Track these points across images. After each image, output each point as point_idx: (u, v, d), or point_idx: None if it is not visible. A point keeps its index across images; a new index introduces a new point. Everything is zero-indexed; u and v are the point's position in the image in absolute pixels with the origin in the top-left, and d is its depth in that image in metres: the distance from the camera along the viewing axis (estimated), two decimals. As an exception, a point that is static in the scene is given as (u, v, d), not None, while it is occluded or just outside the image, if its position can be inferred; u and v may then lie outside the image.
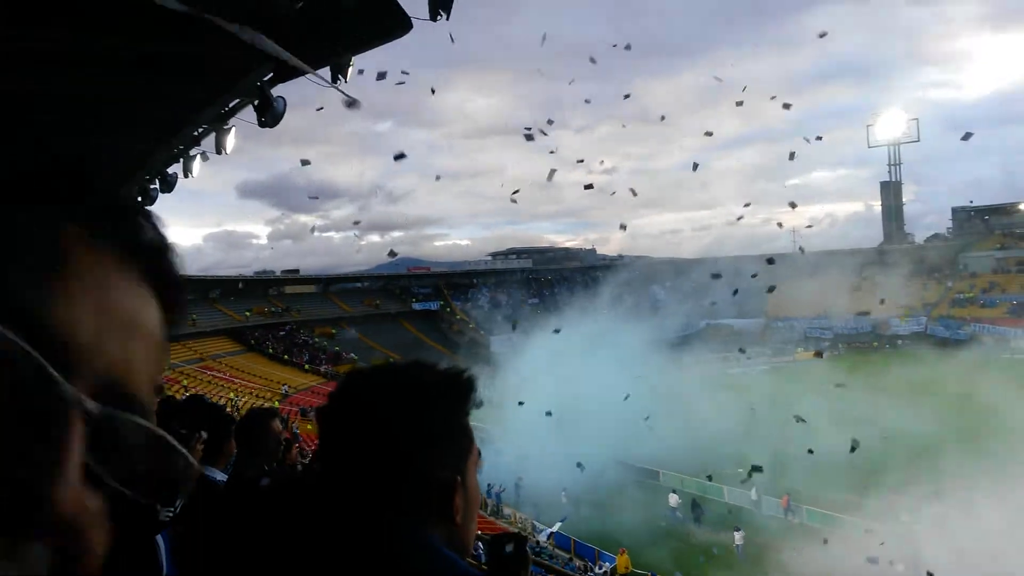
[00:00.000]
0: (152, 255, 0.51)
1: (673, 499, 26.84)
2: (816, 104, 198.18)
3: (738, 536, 22.49)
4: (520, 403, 28.38)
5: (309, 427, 33.64)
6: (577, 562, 23.00)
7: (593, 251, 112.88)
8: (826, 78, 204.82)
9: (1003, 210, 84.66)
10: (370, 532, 1.02)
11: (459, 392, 1.16)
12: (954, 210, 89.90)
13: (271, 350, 63.26)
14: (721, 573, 21.33)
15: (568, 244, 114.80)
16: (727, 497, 27.35)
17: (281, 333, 68.24)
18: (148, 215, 0.52)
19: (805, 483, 25.80)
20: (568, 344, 37.81)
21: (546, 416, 28.16)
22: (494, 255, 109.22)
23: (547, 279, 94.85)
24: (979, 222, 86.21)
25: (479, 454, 1.20)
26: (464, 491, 1.12)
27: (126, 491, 0.44)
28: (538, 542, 23.91)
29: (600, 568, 21.75)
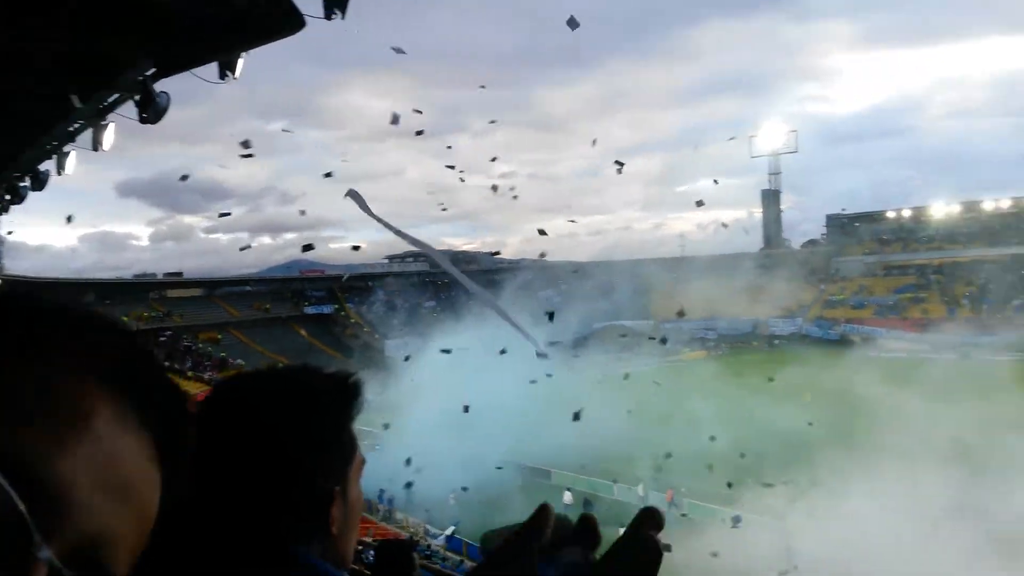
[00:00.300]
0: (170, 421, 0.51)
1: (567, 497, 27.41)
2: (705, 115, 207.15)
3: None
4: (385, 425, 28.01)
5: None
6: (469, 564, 23.15)
7: (490, 254, 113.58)
8: (713, 90, 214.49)
9: (872, 217, 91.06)
10: (242, 548, 0.96)
11: (346, 397, 1.10)
12: (828, 217, 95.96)
13: (152, 356, 60.05)
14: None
15: (466, 247, 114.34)
16: (616, 494, 28.20)
17: (162, 339, 65.10)
18: (158, 365, 0.52)
19: (692, 478, 27.04)
20: (465, 346, 37.95)
21: (463, 412, 28.02)
22: (391, 258, 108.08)
23: (444, 282, 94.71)
24: (851, 228, 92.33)
25: (363, 462, 1.15)
26: (344, 501, 1.07)
27: None
28: (429, 546, 23.93)
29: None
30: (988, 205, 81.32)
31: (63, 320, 0.49)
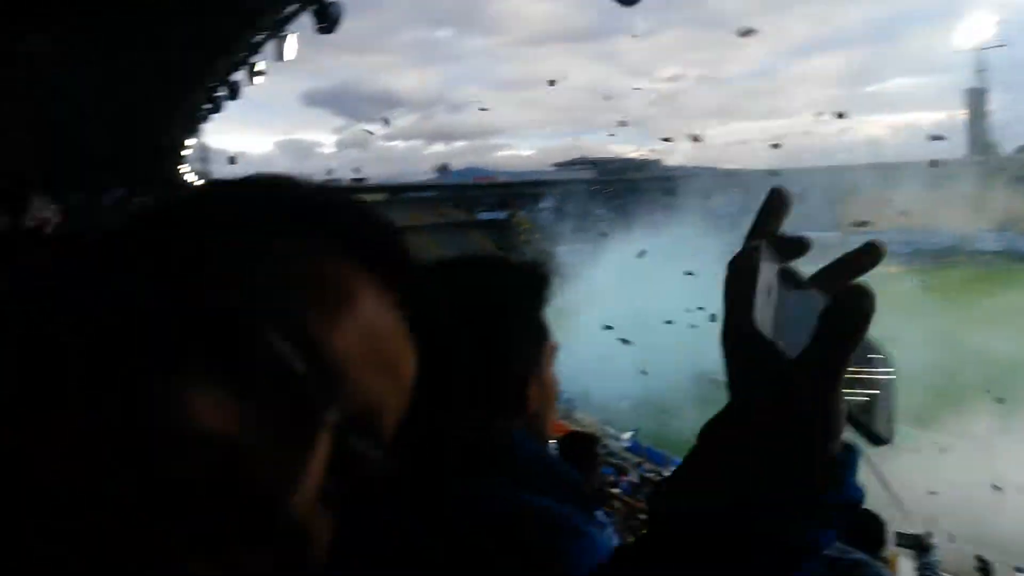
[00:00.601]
0: (421, 303, 0.55)
1: None
2: (890, 8, 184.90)
3: None
4: (608, 327, 27.93)
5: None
6: (648, 467, 23.36)
7: (658, 162, 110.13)
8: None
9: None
10: (453, 423, 1.02)
11: (536, 285, 1.17)
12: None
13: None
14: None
15: (633, 155, 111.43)
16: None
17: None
18: (410, 251, 0.56)
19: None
20: (639, 256, 37.38)
21: (606, 330, 28.00)
22: (559, 165, 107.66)
23: (614, 189, 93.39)
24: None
25: (556, 347, 1.21)
26: (540, 383, 1.15)
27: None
28: (608, 448, 24.32)
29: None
30: None
31: (329, 205, 0.52)
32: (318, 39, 9.23)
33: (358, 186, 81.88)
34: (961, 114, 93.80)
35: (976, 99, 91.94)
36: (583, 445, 4.69)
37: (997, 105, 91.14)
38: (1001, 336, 30.03)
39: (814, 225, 75.14)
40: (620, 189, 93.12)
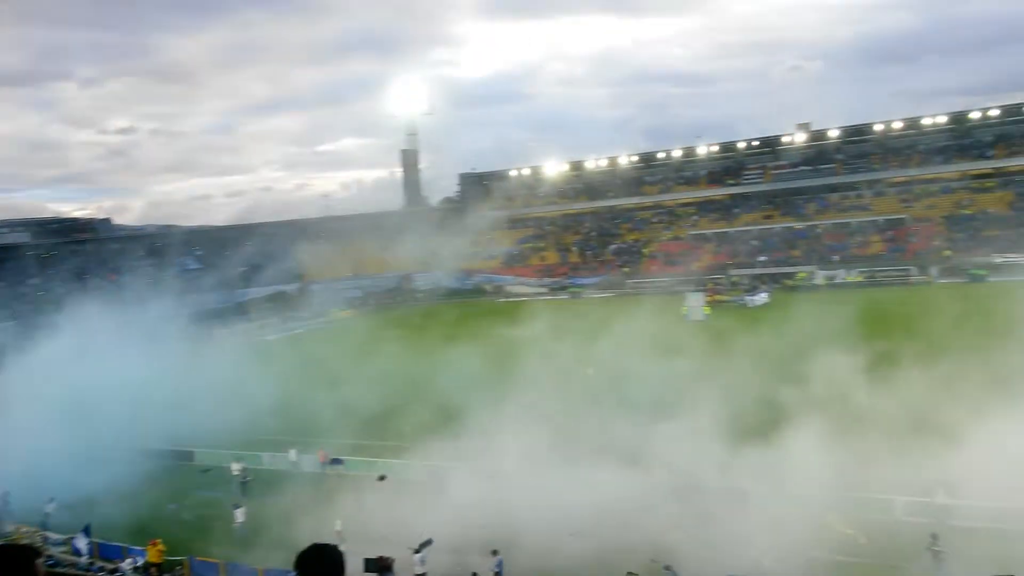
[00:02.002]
0: None
1: (235, 467, 26.00)
2: (341, 74, 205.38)
3: (239, 513, 21.90)
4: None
5: None
6: (102, 564, 21.01)
7: (108, 221, 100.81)
8: (350, 50, 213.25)
9: (498, 176, 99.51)
10: None
11: None
12: (461, 176, 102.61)
13: None
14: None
15: (78, 214, 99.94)
16: (267, 463, 27.59)
17: None
18: None
19: (340, 434, 27.58)
20: (79, 329, 33.58)
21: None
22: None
23: (52, 255, 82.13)
24: (480, 186, 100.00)
25: None
26: None
27: None
28: (51, 556, 21.18)
29: (131, 563, 20.21)
30: (589, 165, 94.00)
31: None
32: None
33: None
34: (398, 171, 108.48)
35: (409, 158, 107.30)
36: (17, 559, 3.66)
37: (426, 163, 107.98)
38: (443, 365, 34.81)
39: (277, 279, 77.90)
40: (64, 253, 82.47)
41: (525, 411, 23.39)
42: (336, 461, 26.29)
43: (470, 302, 75.37)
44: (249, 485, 25.23)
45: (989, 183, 71.82)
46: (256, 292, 73.20)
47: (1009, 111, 74.45)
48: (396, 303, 76.62)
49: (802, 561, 15.92)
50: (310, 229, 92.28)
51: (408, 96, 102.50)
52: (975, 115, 76.13)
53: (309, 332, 62.07)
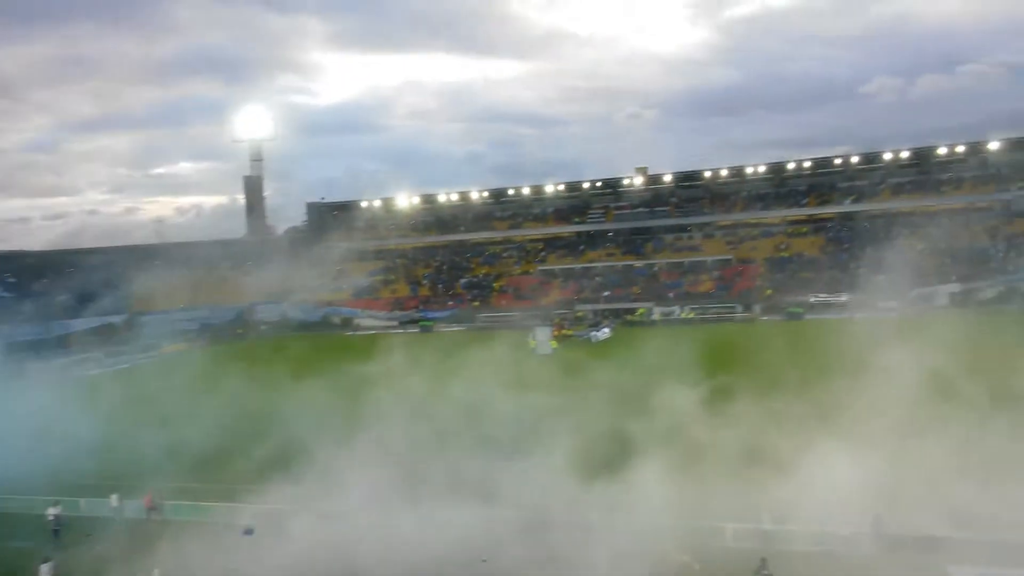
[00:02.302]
0: None
1: (51, 511, 23.27)
2: (179, 95, 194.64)
3: (45, 569, 19.80)
4: None
5: None
6: None
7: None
8: (190, 70, 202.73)
9: (347, 206, 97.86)
10: None
11: None
12: (308, 205, 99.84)
13: None
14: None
15: None
16: (84, 509, 25.08)
17: None
18: None
19: (174, 478, 25.71)
20: None
21: None
22: None
23: None
24: (329, 216, 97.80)
25: None
26: None
27: None
28: None
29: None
30: (441, 198, 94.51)
31: None
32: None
33: None
34: (240, 198, 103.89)
35: (253, 185, 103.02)
36: None
37: (271, 191, 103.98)
38: (283, 402, 33.32)
39: (102, 309, 71.96)
40: None
41: (369, 449, 22.79)
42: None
43: (316, 335, 73.24)
44: (62, 533, 22.85)
45: (803, 228, 79.20)
46: (79, 324, 67.21)
47: (820, 164, 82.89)
48: (236, 336, 72.81)
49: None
50: (141, 256, 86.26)
51: (253, 121, 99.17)
52: (791, 166, 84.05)
53: (137, 367, 57.65)
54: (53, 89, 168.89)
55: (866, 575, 16.98)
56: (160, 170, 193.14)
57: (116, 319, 71.31)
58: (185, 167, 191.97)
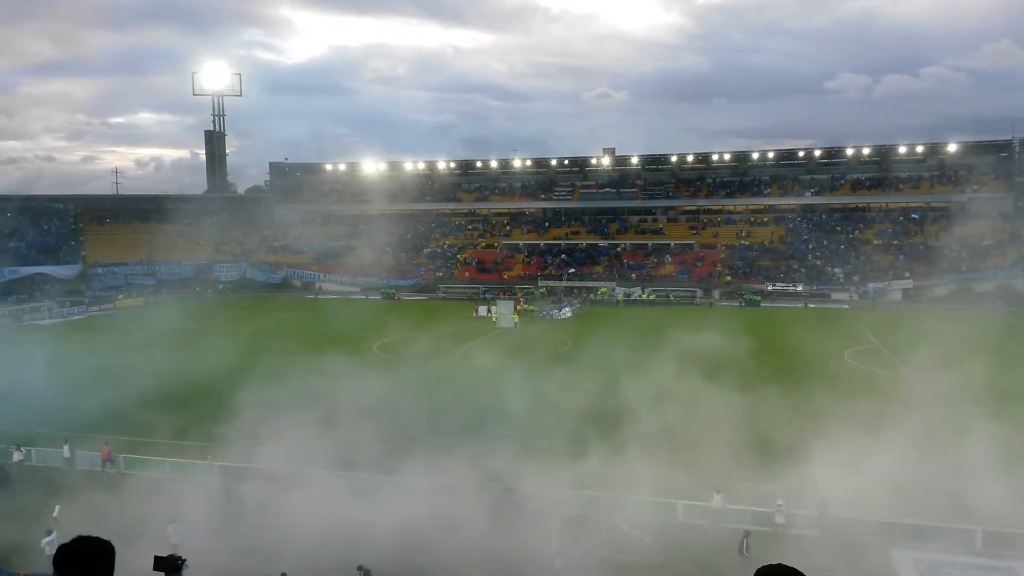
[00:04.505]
0: None
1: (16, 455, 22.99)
2: (140, 43, 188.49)
3: None
4: None
5: None
6: None
7: None
8: (152, 17, 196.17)
9: (312, 169, 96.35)
10: None
11: None
12: (271, 165, 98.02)
13: None
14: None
15: None
16: (35, 459, 24.73)
17: None
18: None
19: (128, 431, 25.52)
20: None
21: None
22: None
23: None
24: (293, 177, 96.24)
25: None
26: None
27: None
28: None
29: None
30: (408, 167, 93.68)
31: None
32: None
33: None
34: (201, 154, 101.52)
35: (215, 141, 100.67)
36: None
37: (234, 148, 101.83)
38: (241, 361, 33.14)
39: (54, 258, 70.29)
40: None
41: (319, 414, 22.73)
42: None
43: (277, 297, 72.46)
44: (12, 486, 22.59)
45: (764, 218, 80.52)
46: (28, 271, 65.53)
47: (782, 155, 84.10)
48: (194, 294, 71.63)
49: (594, 562, 16.96)
50: (98, 207, 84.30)
51: (216, 75, 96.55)
52: (756, 156, 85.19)
53: (89, 319, 56.52)
54: (6, 27, 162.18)
55: (809, 556, 17.62)
56: (119, 119, 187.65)
57: (68, 270, 69.66)
58: (145, 117, 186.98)
